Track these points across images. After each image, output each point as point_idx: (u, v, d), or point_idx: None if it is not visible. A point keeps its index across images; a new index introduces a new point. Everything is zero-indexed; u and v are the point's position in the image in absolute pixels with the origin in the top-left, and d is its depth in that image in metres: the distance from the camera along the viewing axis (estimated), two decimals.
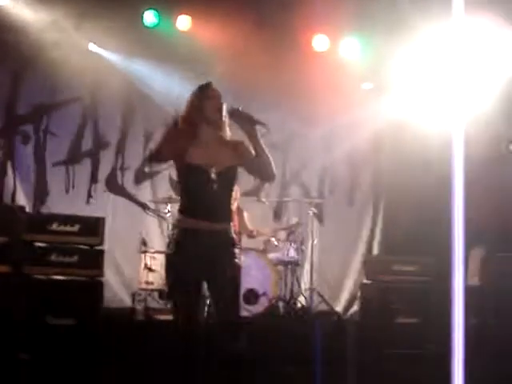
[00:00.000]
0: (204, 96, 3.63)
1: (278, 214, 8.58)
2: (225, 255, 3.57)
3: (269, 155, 3.64)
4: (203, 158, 3.57)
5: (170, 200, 6.98)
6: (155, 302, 6.80)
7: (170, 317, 6.23)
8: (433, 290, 6.81)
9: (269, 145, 8.95)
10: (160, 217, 7.69)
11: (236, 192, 7.42)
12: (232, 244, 3.62)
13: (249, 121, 3.59)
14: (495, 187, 7.00)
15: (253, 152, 3.64)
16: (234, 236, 3.66)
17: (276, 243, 7.18)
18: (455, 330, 3.23)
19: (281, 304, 6.96)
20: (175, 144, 3.57)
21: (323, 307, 7.20)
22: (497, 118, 6.74)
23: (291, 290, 7.22)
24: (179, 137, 3.59)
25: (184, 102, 3.66)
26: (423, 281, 6.91)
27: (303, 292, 7.44)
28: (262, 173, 3.71)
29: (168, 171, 8.10)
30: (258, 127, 3.59)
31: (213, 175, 3.55)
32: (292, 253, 7.16)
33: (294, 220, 7.69)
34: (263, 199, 7.72)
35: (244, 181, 8.06)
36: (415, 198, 8.05)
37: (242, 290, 6.48)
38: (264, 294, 6.53)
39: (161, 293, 6.71)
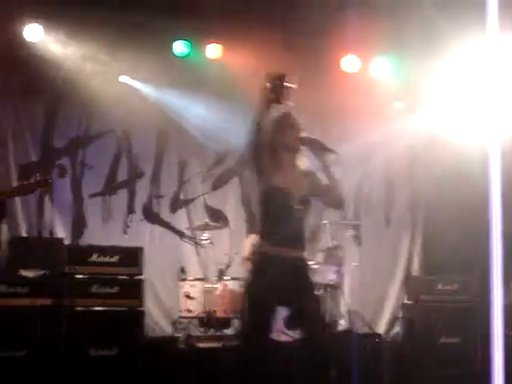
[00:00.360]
0: (285, 124, 3.73)
1: (314, 237, 8.53)
2: (305, 283, 3.68)
3: (338, 183, 3.74)
4: (287, 183, 3.64)
5: (206, 227, 7.01)
6: (196, 330, 6.80)
7: (210, 344, 6.30)
8: (475, 309, 6.70)
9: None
10: (197, 244, 7.71)
11: None
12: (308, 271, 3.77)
13: (322, 149, 3.70)
14: None
15: (323, 182, 3.74)
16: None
17: (315, 266, 7.12)
18: (494, 348, 3.17)
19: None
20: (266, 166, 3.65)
21: (364, 330, 7.12)
22: None
23: (331, 314, 7.16)
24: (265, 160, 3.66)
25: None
26: (465, 299, 6.80)
27: (343, 314, 7.37)
28: (333, 201, 3.82)
29: (203, 198, 8.17)
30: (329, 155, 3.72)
31: (296, 201, 3.64)
32: (331, 275, 7.09)
33: (331, 243, 7.64)
34: None
35: None
36: (454, 214, 7.94)
37: (283, 316, 6.43)
38: None
39: (201, 321, 6.71)
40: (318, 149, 3.72)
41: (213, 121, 7.79)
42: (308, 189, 3.73)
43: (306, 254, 3.73)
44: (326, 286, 7.12)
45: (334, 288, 7.23)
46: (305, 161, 3.81)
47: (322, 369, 3.67)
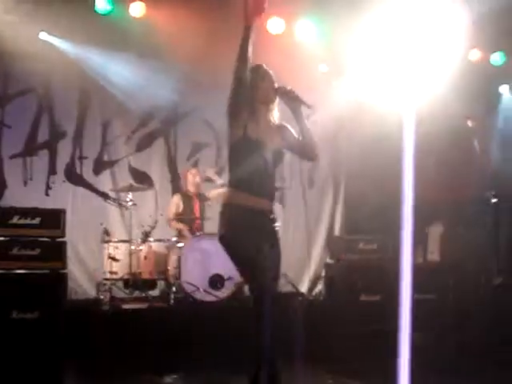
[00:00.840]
0: (258, 77, 3.75)
1: None
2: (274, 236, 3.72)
3: (312, 136, 3.74)
4: (260, 135, 3.66)
5: (131, 188, 6.95)
6: (120, 292, 6.79)
7: (135, 305, 6.31)
8: (393, 268, 6.91)
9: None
10: (121, 206, 7.64)
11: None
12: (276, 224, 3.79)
13: (296, 101, 3.70)
14: (449, 163, 7.12)
15: (295, 135, 3.75)
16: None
17: None
18: (402, 305, 3.32)
19: (246, 288, 7.00)
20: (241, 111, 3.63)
21: (288, 289, 7.27)
22: (450, 95, 6.85)
23: None
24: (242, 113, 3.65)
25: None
26: (384, 258, 7.01)
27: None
28: (307, 153, 3.80)
29: (128, 159, 8.08)
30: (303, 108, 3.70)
31: (268, 154, 3.67)
32: None
33: None
34: (224, 182, 7.69)
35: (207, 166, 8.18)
36: (374, 177, 8.14)
37: (208, 275, 6.52)
38: (230, 278, 6.55)
39: (126, 282, 6.70)
40: (292, 99, 3.71)
41: (137, 80, 7.66)
42: (281, 142, 3.77)
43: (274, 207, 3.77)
44: None
45: None
46: (277, 115, 3.82)
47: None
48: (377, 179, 8.11)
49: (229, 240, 3.61)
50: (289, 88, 3.74)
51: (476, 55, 7.65)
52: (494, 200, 3.44)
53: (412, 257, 4.13)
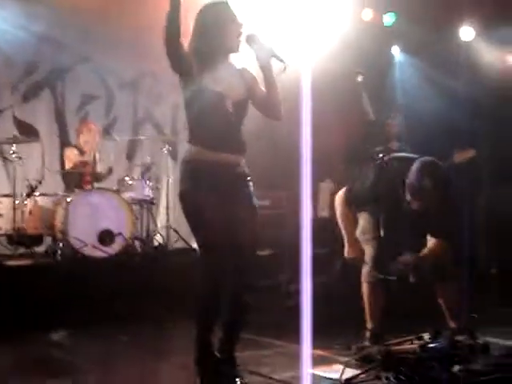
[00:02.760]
0: (223, 19, 3.31)
1: (131, 154, 8.42)
2: (243, 190, 3.38)
3: (279, 93, 3.37)
4: (218, 85, 3.29)
5: (15, 140, 6.62)
6: (4, 248, 6.51)
7: (20, 262, 6.07)
8: (284, 223, 7.03)
9: (119, 84, 8.70)
10: (5, 159, 7.27)
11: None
12: (248, 179, 3.43)
13: (267, 52, 3.29)
14: (343, 120, 7.24)
15: (263, 89, 3.38)
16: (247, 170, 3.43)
17: (130, 182, 7.05)
18: (304, 259, 3.38)
19: (137, 243, 6.91)
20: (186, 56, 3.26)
21: (180, 245, 7.22)
22: (343, 53, 6.92)
23: (148, 229, 7.19)
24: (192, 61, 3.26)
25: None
26: (276, 214, 7.10)
27: (160, 230, 7.43)
28: (271, 110, 3.42)
29: (12, 110, 7.68)
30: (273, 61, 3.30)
31: (230, 105, 3.31)
32: (147, 191, 7.07)
33: (147, 158, 7.58)
34: (116, 137, 7.52)
35: (96, 119, 7.93)
36: (268, 134, 8.15)
37: (97, 231, 6.35)
38: (120, 233, 6.42)
39: (10, 238, 6.42)
40: (263, 50, 3.27)
41: (17, 27, 7.24)
42: (245, 92, 3.39)
43: (243, 161, 3.41)
44: (142, 202, 7.11)
45: (151, 204, 7.23)
46: (242, 60, 3.44)
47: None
48: (272, 136, 8.13)
49: (184, 197, 3.32)
50: (259, 36, 3.32)
51: (368, 15, 7.75)
52: (380, 155, 3.51)
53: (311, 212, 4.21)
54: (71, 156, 7.11)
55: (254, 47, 3.30)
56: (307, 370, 3.32)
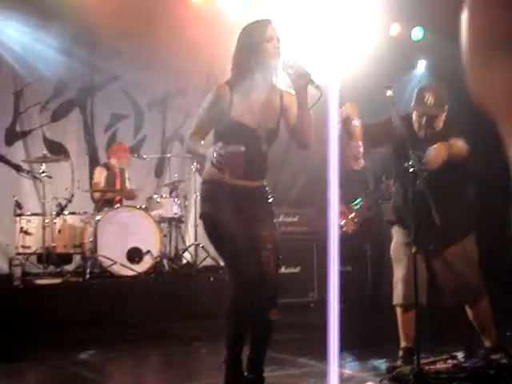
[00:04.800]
0: (264, 37, 3.16)
1: (159, 171, 8.45)
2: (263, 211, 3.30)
3: (312, 122, 3.21)
4: (250, 116, 3.18)
5: (44, 159, 6.69)
6: (34, 267, 6.55)
7: (49, 281, 6.09)
8: (313, 240, 6.96)
9: (148, 103, 8.72)
10: (35, 178, 7.34)
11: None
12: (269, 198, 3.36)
13: (303, 77, 3.10)
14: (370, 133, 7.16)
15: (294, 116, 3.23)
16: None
17: (159, 200, 7.07)
18: (331, 277, 3.33)
19: (165, 261, 6.90)
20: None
21: (208, 262, 7.20)
22: (371, 69, 6.88)
23: (176, 247, 7.18)
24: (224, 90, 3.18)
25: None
26: (304, 231, 7.04)
27: (188, 248, 7.42)
28: (300, 138, 3.29)
29: (42, 130, 7.76)
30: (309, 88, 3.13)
31: (260, 136, 3.21)
32: (175, 209, 7.07)
33: (175, 176, 7.59)
34: (144, 156, 7.56)
35: (125, 138, 7.99)
36: (292, 153, 8.11)
37: (126, 249, 6.36)
38: (148, 252, 6.42)
39: (39, 256, 6.46)
40: (299, 74, 3.10)
41: (50, 48, 7.33)
42: (278, 119, 3.28)
43: (265, 182, 3.34)
44: (171, 220, 7.11)
45: (179, 221, 7.23)
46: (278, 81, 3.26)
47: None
48: (295, 155, 8.08)
49: (205, 218, 3.30)
50: (295, 61, 3.13)
51: (396, 30, 7.72)
52: (412, 170, 3.46)
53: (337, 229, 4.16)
54: (100, 175, 7.15)
55: (289, 72, 3.14)
56: None
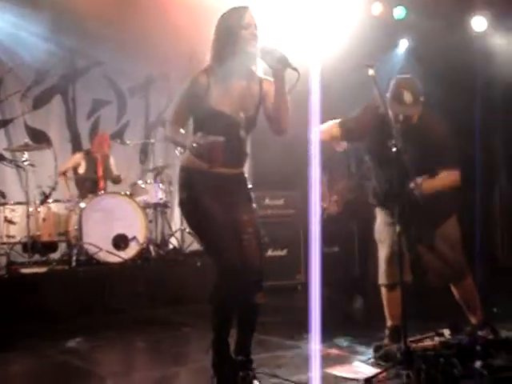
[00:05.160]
0: (241, 24, 3.13)
1: (144, 157, 8.40)
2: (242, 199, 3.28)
3: (288, 107, 3.16)
4: (227, 104, 3.15)
5: (27, 148, 6.63)
6: (19, 256, 6.51)
7: (35, 270, 6.06)
8: (298, 222, 6.97)
9: (130, 88, 8.63)
10: (18, 166, 7.29)
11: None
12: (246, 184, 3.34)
13: (281, 61, 3.07)
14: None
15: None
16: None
17: (143, 186, 7.04)
18: (313, 259, 3.33)
19: (152, 247, 6.88)
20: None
21: (195, 247, 7.18)
22: (353, 48, 6.84)
23: (162, 233, 7.16)
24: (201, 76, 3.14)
25: None
26: (290, 214, 7.04)
27: (174, 233, 7.40)
28: (275, 124, 3.23)
29: (23, 117, 7.69)
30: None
31: (239, 124, 3.18)
32: (160, 194, 7.05)
33: (160, 162, 7.56)
34: (128, 141, 7.51)
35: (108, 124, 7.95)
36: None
37: (111, 236, 6.34)
38: (134, 238, 6.40)
39: (24, 245, 6.42)
40: (276, 59, 3.06)
41: (29, 34, 7.24)
42: (257, 106, 3.24)
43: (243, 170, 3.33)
44: (156, 205, 7.09)
45: (164, 207, 7.21)
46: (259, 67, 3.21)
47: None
48: (281, 139, 8.05)
49: (183, 205, 3.28)
50: (272, 47, 3.11)
51: (378, 9, 7.67)
52: (394, 149, 3.43)
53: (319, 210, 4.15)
54: (82, 162, 7.11)
55: (266, 58, 3.12)
56: (317, 369, 3.26)
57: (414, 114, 3.91)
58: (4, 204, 6.54)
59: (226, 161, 3.13)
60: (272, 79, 3.18)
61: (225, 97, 3.18)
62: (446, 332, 3.81)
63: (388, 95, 3.92)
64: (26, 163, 6.53)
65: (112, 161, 7.29)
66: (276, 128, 3.27)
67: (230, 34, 3.16)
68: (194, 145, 2.97)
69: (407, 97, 3.84)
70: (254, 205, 3.37)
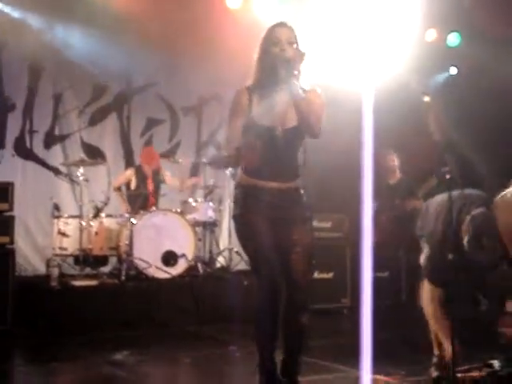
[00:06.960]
0: (271, 41, 3.26)
1: (194, 176, 8.50)
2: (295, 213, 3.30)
3: (312, 109, 3.21)
4: (268, 117, 3.24)
5: (82, 163, 6.79)
6: (71, 269, 6.65)
7: (85, 282, 6.18)
8: (346, 246, 6.95)
9: (183, 108, 8.75)
10: (72, 181, 7.48)
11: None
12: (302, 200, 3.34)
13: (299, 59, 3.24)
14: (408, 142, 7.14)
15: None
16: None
17: (194, 204, 7.13)
18: (363, 282, 3.33)
19: (200, 265, 6.94)
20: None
21: (242, 266, 7.22)
22: (407, 75, 6.84)
23: (210, 251, 7.23)
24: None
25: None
26: (338, 237, 7.03)
27: (222, 252, 7.46)
28: (307, 126, 3.24)
29: (80, 133, 7.89)
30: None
31: (281, 136, 3.25)
32: (210, 213, 7.13)
33: (211, 181, 7.64)
34: (180, 160, 7.63)
35: (161, 142, 8.10)
36: (329, 158, 8.09)
37: (161, 252, 6.43)
38: (183, 255, 6.48)
39: (76, 258, 6.56)
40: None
41: (90, 53, 7.45)
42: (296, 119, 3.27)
43: (297, 184, 3.32)
44: (205, 224, 7.16)
45: (213, 225, 7.28)
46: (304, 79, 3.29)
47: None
48: (331, 160, 8.06)
49: (235, 221, 3.35)
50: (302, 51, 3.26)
51: (432, 35, 7.66)
52: (448, 176, 3.42)
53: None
54: (132, 178, 7.22)
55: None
56: None
57: None
58: (58, 217, 6.70)
59: (273, 173, 3.23)
60: (314, 89, 3.30)
61: (265, 111, 3.26)
62: (496, 363, 3.75)
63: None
64: (80, 178, 6.69)
65: (168, 174, 7.37)
66: (309, 132, 3.28)
67: (262, 51, 3.31)
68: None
69: None
70: (309, 222, 3.37)
